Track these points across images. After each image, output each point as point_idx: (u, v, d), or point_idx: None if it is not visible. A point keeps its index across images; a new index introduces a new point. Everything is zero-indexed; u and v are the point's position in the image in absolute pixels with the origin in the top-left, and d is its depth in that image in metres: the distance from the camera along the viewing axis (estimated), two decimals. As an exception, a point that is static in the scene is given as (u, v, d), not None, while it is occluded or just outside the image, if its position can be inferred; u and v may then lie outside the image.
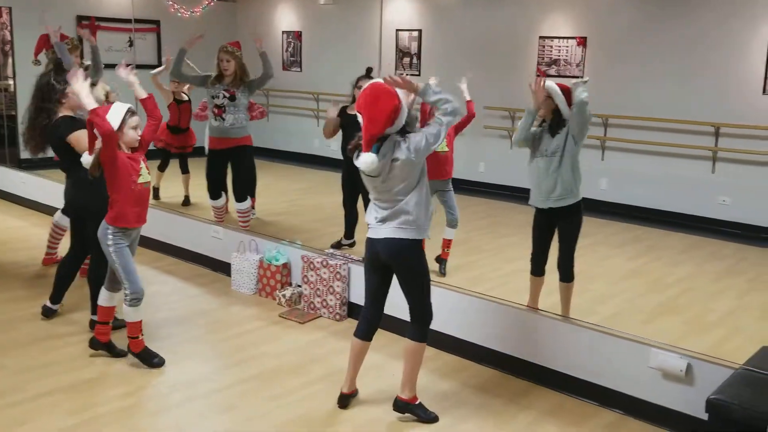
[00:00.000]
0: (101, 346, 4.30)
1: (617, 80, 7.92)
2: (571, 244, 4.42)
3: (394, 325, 4.38)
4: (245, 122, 6.20)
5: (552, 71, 8.38)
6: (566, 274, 4.45)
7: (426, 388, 3.98)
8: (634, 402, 3.70)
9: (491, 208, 7.83)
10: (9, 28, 10.26)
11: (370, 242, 3.56)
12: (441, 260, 5.65)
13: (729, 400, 2.87)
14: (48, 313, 4.85)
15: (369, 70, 5.90)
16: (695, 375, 3.45)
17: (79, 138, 4.39)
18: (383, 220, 3.47)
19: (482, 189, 8.41)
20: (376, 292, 3.67)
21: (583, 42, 8.13)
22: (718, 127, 7.31)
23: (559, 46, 8.32)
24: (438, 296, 4.40)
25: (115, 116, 3.92)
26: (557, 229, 4.43)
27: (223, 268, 5.84)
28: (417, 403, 3.69)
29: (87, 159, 4.00)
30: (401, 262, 3.51)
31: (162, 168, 7.94)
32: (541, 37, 8.45)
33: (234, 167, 6.29)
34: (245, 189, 6.36)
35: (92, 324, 4.59)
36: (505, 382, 4.15)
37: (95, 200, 4.25)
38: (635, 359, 3.67)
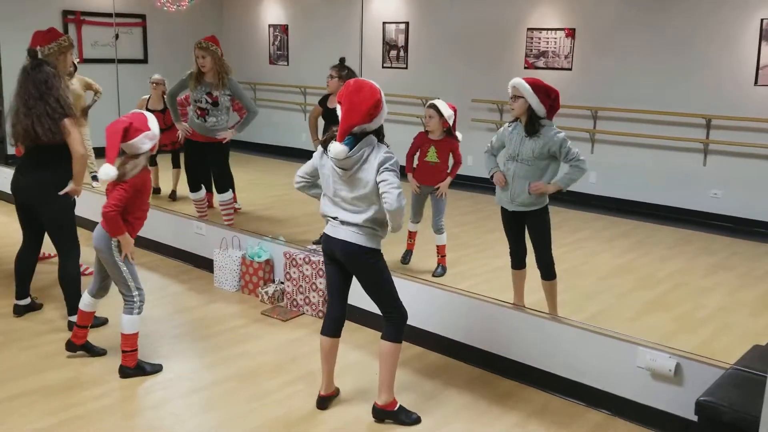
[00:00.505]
0: (79, 347, 4.18)
1: (606, 72, 7.83)
2: (544, 242, 4.31)
3: (375, 322, 4.28)
4: (226, 122, 6.05)
5: (540, 63, 8.28)
6: (546, 272, 4.36)
7: (409, 388, 3.89)
8: (621, 402, 3.61)
9: (478, 202, 7.72)
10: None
11: (327, 238, 3.48)
12: (440, 267, 5.50)
13: (719, 402, 2.78)
14: (19, 311, 4.75)
15: (342, 60, 5.78)
16: (684, 375, 3.36)
17: (78, 136, 4.37)
18: (342, 222, 3.39)
19: (470, 183, 8.29)
20: (337, 286, 3.59)
21: (571, 33, 8.03)
22: (709, 119, 7.23)
23: (548, 38, 8.21)
24: (422, 293, 4.35)
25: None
26: (527, 228, 4.34)
27: (206, 264, 5.73)
28: (397, 407, 3.57)
29: (110, 172, 3.74)
30: (358, 267, 3.46)
31: (153, 163, 7.81)
32: (529, 29, 8.34)
33: (210, 160, 6.15)
34: (224, 181, 6.21)
35: (71, 325, 4.49)
36: (491, 381, 4.06)
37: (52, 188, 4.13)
38: (623, 358, 3.58)
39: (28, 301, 4.80)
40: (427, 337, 4.38)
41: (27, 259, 4.72)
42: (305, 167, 3.53)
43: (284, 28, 10.71)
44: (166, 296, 5.31)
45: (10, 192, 4.58)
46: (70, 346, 4.17)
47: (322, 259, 4.76)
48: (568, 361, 3.81)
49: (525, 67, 8.39)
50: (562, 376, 3.82)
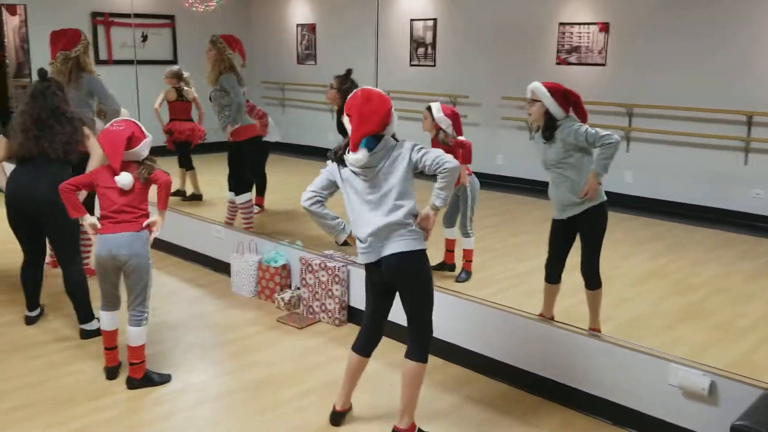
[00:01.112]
0: (141, 382, 3.89)
1: (642, 68, 7.51)
2: (596, 244, 4.03)
3: (395, 332, 4.09)
4: (227, 120, 5.90)
5: (572, 59, 8.00)
6: (591, 280, 4.07)
7: (428, 401, 3.70)
8: (650, 421, 3.35)
9: (507, 202, 7.49)
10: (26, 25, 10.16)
11: (371, 267, 3.24)
12: (464, 272, 5.27)
13: (756, 427, 2.53)
14: (30, 322, 4.66)
15: (348, 72, 5.66)
16: (719, 394, 3.10)
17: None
18: (383, 237, 3.13)
19: (500, 182, 8.07)
20: (381, 310, 3.39)
21: (605, 28, 7.73)
22: (750, 116, 6.88)
23: (580, 33, 7.93)
24: (445, 303, 4.13)
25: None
26: (579, 234, 4.06)
27: (224, 268, 5.60)
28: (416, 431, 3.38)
29: (128, 180, 3.70)
30: (412, 279, 3.18)
31: (190, 167, 7.76)
32: (561, 24, 8.06)
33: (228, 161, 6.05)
34: (236, 181, 6.06)
35: (84, 333, 4.46)
36: (514, 397, 3.84)
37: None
38: (653, 375, 3.33)
39: (38, 311, 4.71)
40: (449, 349, 4.18)
41: (34, 273, 4.62)
42: (317, 182, 3.23)
43: (312, 28, 10.57)
44: (182, 301, 5.19)
45: (14, 206, 4.38)
46: (132, 384, 3.87)
47: (338, 265, 4.61)
48: (595, 376, 3.57)
49: (557, 63, 8.13)
50: (589, 392, 3.58)
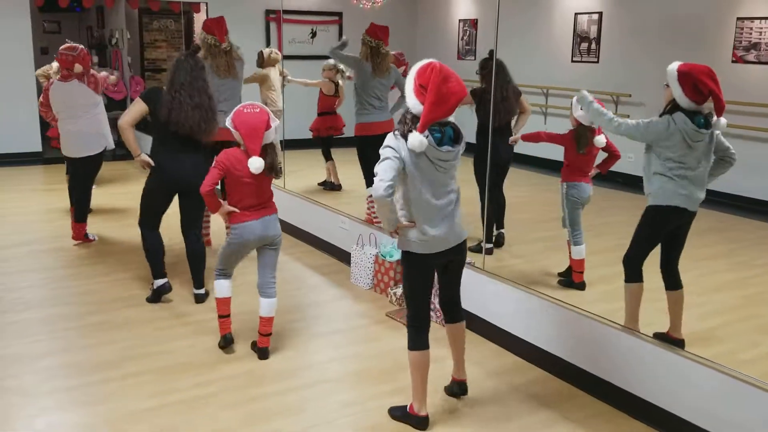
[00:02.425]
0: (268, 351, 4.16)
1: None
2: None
3: (499, 336, 3.92)
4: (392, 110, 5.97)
5: (751, 57, 7.22)
6: (679, 279, 3.85)
7: (522, 413, 3.54)
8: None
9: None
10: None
11: (431, 256, 3.23)
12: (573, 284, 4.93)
13: None
14: (164, 291, 4.92)
15: (491, 54, 5.40)
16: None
17: None
18: (449, 224, 3.21)
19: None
20: (429, 291, 3.40)
21: (790, 22, 6.90)
22: None
23: (761, 28, 7.13)
24: (549, 311, 3.98)
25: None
26: (680, 230, 3.81)
27: (347, 259, 5.66)
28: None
29: (260, 163, 3.80)
30: (462, 260, 3.45)
31: (329, 157, 7.94)
32: (739, 18, 7.30)
33: None
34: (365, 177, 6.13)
35: (199, 298, 4.88)
36: (614, 419, 3.54)
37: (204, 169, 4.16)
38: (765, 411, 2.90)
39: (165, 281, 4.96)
40: (550, 360, 3.93)
41: (161, 242, 4.92)
42: (390, 171, 3.01)
43: (473, 23, 10.42)
44: (302, 287, 5.32)
45: (170, 182, 4.71)
46: (263, 353, 4.12)
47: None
48: (700, 405, 3.18)
49: (732, 61, 7.37)
50: (693, 422, 3.20)
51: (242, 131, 3.79)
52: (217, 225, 5.95)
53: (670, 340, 3.69)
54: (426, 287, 3.33)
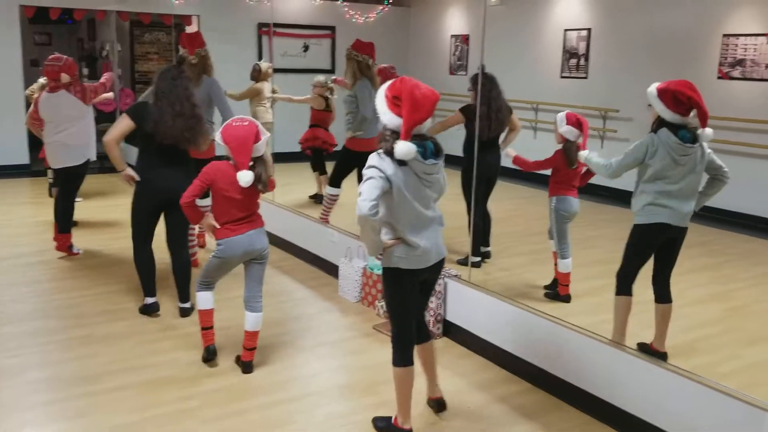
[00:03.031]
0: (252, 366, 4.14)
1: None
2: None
3: (482, 348, 3.92)
4: (351, 128, 6.05)
5: (736, 73, 7.29)
6: (669, 292, 3.91)
7: (503, 425, 3.49)
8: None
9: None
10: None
11: (415, 272, 3.22)
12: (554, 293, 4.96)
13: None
14: (156, 308, 4.90)
15: (482, 68, 5.44)
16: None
17: None
18: (435, 239, 3.24)
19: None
20: (415, 308, 3.42)
21: (775, 39, 6.97)
22: None
23: (746, 45, 7.21)
24: (527, 321, 3.96)
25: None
26: (674, 244, 3.87)
27: (336, 272, 5.65)
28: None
29: (249, 177, 3.78)
30: (438, 276, 3.45)
31: (323, 171, 7.95)
32: (725, 35, 7.38)
33: None
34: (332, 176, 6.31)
35: (184, 312, 4.85)
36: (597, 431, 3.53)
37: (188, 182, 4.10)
38: (747, 424, 2.90)
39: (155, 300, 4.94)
40: (534, 372, 3.94)
41: (152, 259, 4.88)
42: (375, 190, 2.96)
43: (465, 38, 10.49)
44: (289, 301, 5.30)
45: (157, 195, 4.64)
46: (247, 366, 4.09)
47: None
48: (681, 416, 3.19)
49: (718, 77, 7.45)
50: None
51: (231, 145, 3.78)
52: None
53: (654, 352, 3.71)
54: (412, 304, 3.32)
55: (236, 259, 3.97)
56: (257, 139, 3.80)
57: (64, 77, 5.90)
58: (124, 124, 4.56)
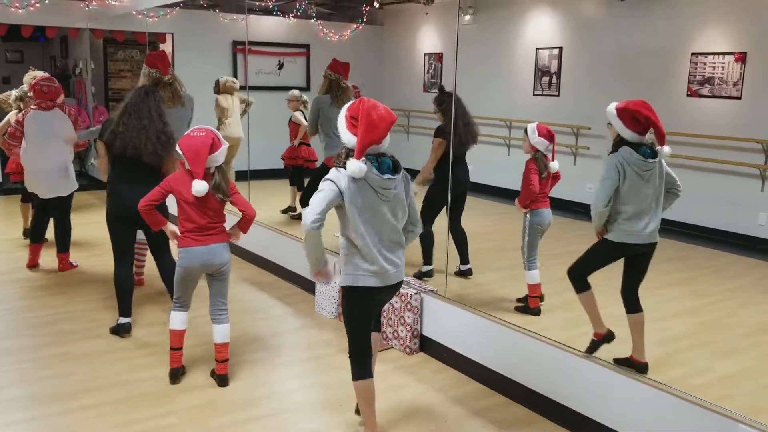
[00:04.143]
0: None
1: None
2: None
3: (458, 362, 3.93)
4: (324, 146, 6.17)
5: (705, 90, 7.45)
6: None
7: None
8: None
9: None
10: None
11: (373, 290, 3.21)
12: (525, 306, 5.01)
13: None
14: (127, 329, 4.85)
15: (442, 89, 5.60)
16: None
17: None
18: (391, 254, 3.23)
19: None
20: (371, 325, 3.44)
21: (741, 58, 7.15)
22: None
23: (714, 63, 7.38)
24: (504, 336, 3.94)
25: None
26: (643, 260, 3.92)
27: (312, 288, 5.65)
28: None
29: (203, 187, 3.78)
30: (392, 296, 3.46)
31: (301, 187, 8.00)
32: (693, 54, 7.55)
33: None
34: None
35: None
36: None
37: None
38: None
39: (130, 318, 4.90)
40: (510, 386, 3.97)
41: (131, 276, 4.88)
42: (322, 202, 3.02)
43: (439, 57, 10.61)
44: (266, 318, 5.28)
45: (122, 211, 4.63)
46: (223, 379, 4.10)
47: (411, 292, 4.51)
48: (656, 428, 3.23)
49: (687, 95, 7.60)
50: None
51: (187, 155, 3.81)
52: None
53: (634, 363, 3.74)
54: (370, 319, 3.36)
55: (196, 270, 3.96)
56: (213, 149, 3.81)
57: (61, 98, 5.91)
58: (100, 146, 4.70)
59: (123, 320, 4.82)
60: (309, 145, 7.91)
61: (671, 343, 4.50)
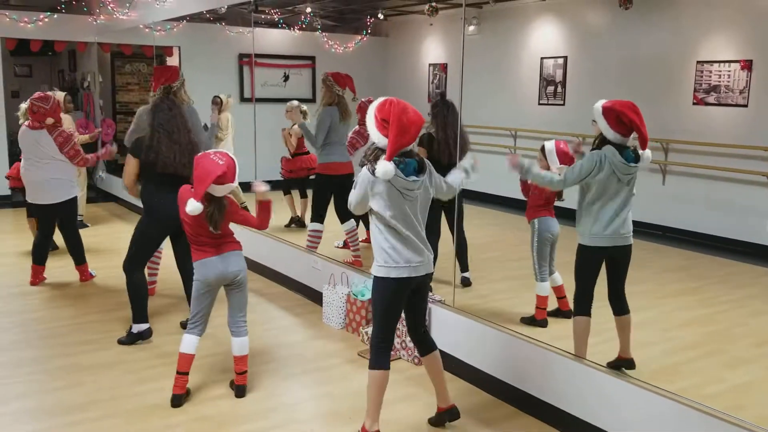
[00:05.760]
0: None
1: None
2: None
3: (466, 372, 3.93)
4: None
5: (711, 99, 7.46)
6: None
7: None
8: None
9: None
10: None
11: (403, 281, 3.40)
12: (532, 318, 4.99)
13: None
14: (147, 336, 4.92)
15: (443, 95, 5.67)
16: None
17: None
18: (422, 256, 3.42)
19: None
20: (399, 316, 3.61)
21: (748, 66, 7.15)
22: None
23: (720, 71, 7.39)
24: (498, 339, 3.96)
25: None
26: (620, 262, 4.01)
27: (320, 299, 5.66)
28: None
29: (197, 207, 3.72)
30: (428, 287, 3.70)
31: (288, 192, 8.17)
32: (699, 62, 7.56)
33: None
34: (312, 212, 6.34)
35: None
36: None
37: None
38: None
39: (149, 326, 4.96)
40: (520, 397, 3.97)
41: (146, 282, 4.96)
42: (359, 192, 3.40)
43: (443, 67, 10.64)
44: (274, 329, 5.30)
45: (163, 222, 4.75)
46: (241, 391, 4.11)
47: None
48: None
49: (693, 103, 7.61)
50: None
51: (196, 171, 3.78)
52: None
53: (621, 360, 3.79)
54: (397, 310, 3.51)
55: (213, 281, 3.94)
56: (220, 180, 3.73)
57: (49, 120, 5.91)
58: (132, 164, 4.73)
59: (143, 326, 4.88)
60: (308, 152, 7.95)
61: (680, 352, 4.49)
